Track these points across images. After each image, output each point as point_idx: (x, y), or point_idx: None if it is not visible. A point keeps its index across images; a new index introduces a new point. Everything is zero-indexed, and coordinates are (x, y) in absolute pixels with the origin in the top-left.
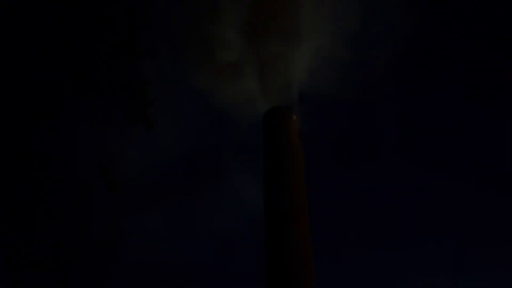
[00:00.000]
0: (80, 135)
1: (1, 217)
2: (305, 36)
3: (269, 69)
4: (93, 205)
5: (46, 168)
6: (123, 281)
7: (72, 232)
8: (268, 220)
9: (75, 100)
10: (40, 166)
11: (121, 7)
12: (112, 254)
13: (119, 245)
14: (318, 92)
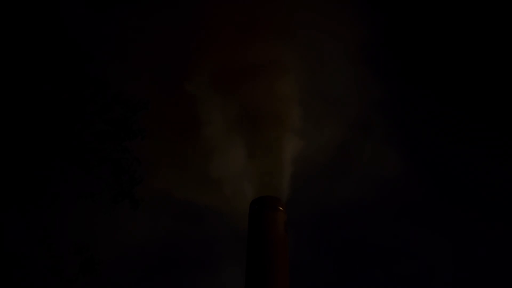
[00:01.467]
0: (63, 210)
1: None
2: (297, 126)
3: (258, 158)
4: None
5: (22, 242)
6: None
7: None
8: None
9: (63, 175)
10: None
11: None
12: None
13: None
14: (307, 183)
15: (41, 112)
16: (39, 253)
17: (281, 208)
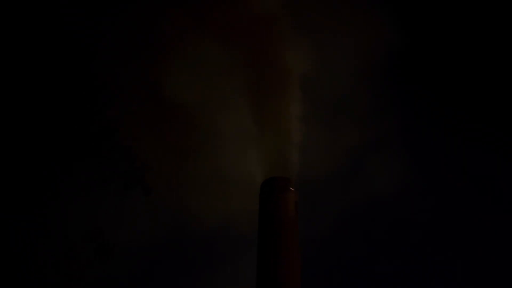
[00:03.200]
0: (77, 196)
1: None
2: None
3: (267, 139)
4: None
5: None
6: None
7: None
8: None
9: (74, 162)
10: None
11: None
12: None
13: None
14: (319, 164)
15: (51, 102)
16: (52, 241)
17: (292, 189)
